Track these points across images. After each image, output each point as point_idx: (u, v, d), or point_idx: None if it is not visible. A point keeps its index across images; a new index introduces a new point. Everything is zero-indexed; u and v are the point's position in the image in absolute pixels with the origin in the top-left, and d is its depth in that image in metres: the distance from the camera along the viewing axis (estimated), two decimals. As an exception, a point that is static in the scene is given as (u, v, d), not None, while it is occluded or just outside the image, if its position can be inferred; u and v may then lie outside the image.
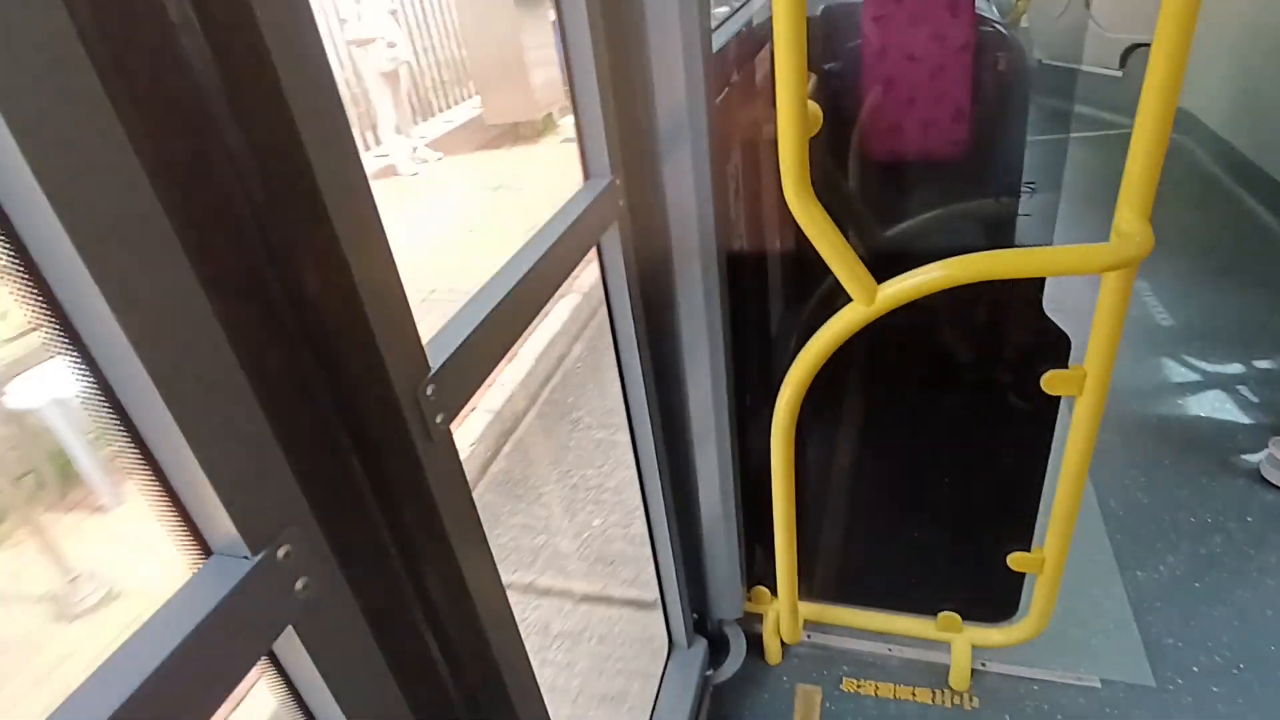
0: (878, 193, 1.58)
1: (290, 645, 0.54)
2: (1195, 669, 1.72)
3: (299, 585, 0.52)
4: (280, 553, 0.51)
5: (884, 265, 1.16)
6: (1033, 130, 1.79)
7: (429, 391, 0.66)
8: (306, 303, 0.56)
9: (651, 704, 1.65)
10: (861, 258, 1.14)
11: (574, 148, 1.06)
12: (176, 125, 0.46)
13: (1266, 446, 2.19)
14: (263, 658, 0.54)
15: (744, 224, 1.69)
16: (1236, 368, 2.65)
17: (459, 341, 0.71)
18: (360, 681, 0.59)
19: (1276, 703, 1.63)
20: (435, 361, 0.68)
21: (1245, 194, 3.84)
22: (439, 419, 0.68)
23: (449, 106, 7.27)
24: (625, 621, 1.58)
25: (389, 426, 0.64)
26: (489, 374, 0.75)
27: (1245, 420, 2.40)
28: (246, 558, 0.49)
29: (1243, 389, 2.54)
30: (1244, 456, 2.26)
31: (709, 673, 1.82)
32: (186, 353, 0.44)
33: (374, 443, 0.62)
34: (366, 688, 0.60)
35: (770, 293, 1.83)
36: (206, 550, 0.49)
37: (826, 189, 1.47)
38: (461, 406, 0.72)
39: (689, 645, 1.77)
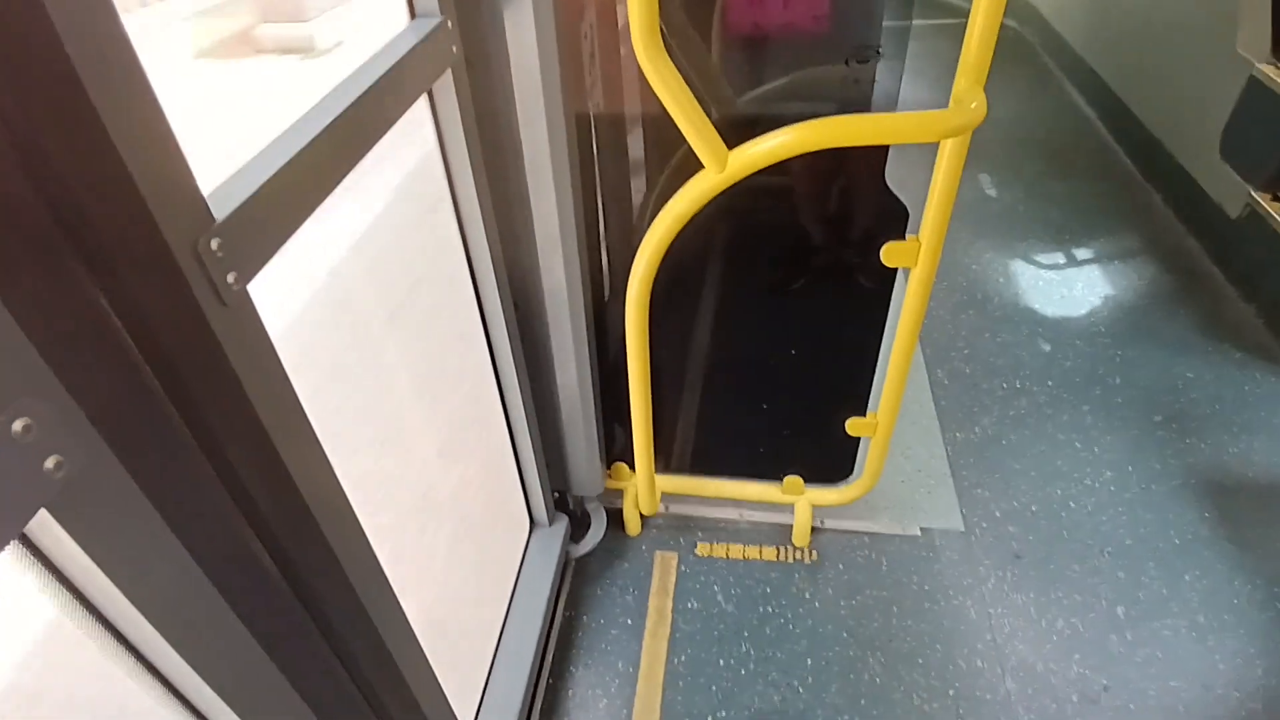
0: (740, 67, 1.53)
1: (47, 530, 0.46)
2: (998, 513, 1.96)
3: (49, 464, 0.45)
4: (17, 426, 0.43)
5: (740, 136, 1.13)
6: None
7: (213, 246, 0.57)
8: (25, 137, 0.45)
9: (513, 581, 1.68)
10: (720, 130, 1.10)
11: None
12: None
13: (1068, 324, 2.44)
14: (14, 543, 0.47)
15: (603, 96, 1.60)
16: (1053, 252, 2.91)
17: (250, 191, 0.61)
18: (147, 566, 0.53)
19: (1056, 536, 1.90)
20: (221, 213, 0.59)
21: (1071, 86, 4.11)
22: (230, 279, 0.59)
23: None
24: (485, 502, 1.57)
25: (164, 287, 0.55)
26: (294, 229, 0.67)
27: (1054, 297, 2.66)
28: (-32, 432, 0.41)
29: (1055, 270, 2.81)
30: (1049, 329, 2.52)
31: (571, 547, 1.87)
32: None
33: (144, 305, 0.53)
34: (156, 572, 0.54)
35: (632, 169, 1.78)
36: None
37: (688, 60, 1.40)
38: (260, 265, 0.63)
39: (550, 523, 1.80)
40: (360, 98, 0.77)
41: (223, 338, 0.59)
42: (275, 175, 0.64)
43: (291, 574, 0.74)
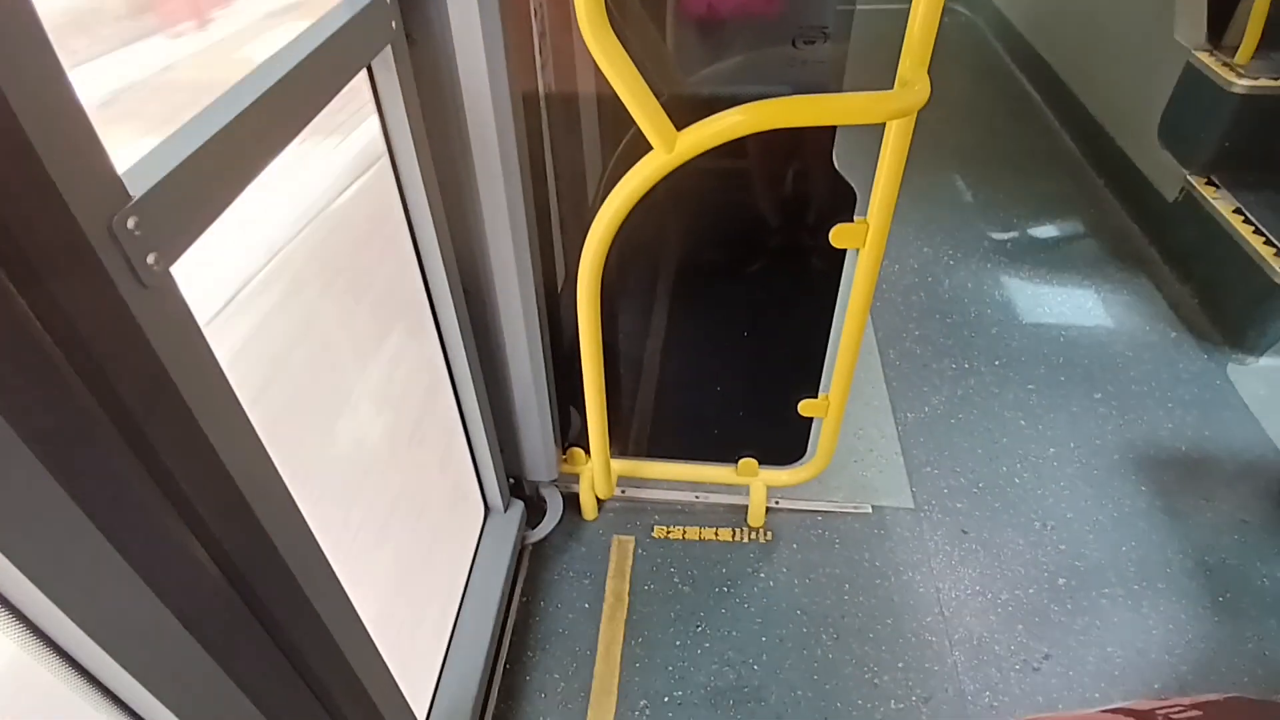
0: (691, 48, 1.52)
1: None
2: (946, 490, 2.01)
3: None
4: (-90, 416, 0.40)
5: (692, 118, 1.12)
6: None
7: (130, 225, 0.54)
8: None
9: (469, 567, 1.67)
10: (671, 112, 1.09)
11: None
12: None
13: (1014, 305, 2.50)
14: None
15: (555, 75, 1.57)
16: (1000, 234, 2.97)
17: (171, 168, 0.59)
18: (67, 562, 0.51)
19: (1001, 511, 1.95)
20: (138, 190, 0.56)
21: (1019, 72, 4.20)
22: (151, 259, 0.56)
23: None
24: (437, 489, 1.55)
25: (77, 268, 0.52)
26: (222, 208, 0.64)
27: (1001, 278, 2.73)
28: None
29: (1002, 252, 2.87)
30: (996, 310, 2.58)
31: (527, 532, 1.86)
32: None
33: (55, 289, 0.50)
34: (77, 568, 0.52)
35: (587, 150, 1.75)
36: None
37: (638, 40, 1.38)
38: (185, 246, 0.61)
39: (505, 509, 1.79)
40: (291, 72, 0.74)
41: (144, 321, 0.56)
42: (198, 151, 0.61)
43: (229, 566, 0.72)
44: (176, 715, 0.66)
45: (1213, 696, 0.76)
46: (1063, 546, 1.87)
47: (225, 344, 0.80)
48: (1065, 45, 3.76)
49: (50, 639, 0.56)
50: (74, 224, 0.50)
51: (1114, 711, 0.83)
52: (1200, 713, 0.75)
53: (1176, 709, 0.74)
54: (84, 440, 0.55)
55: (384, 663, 1.07)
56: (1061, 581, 1.80)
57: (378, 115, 1.06)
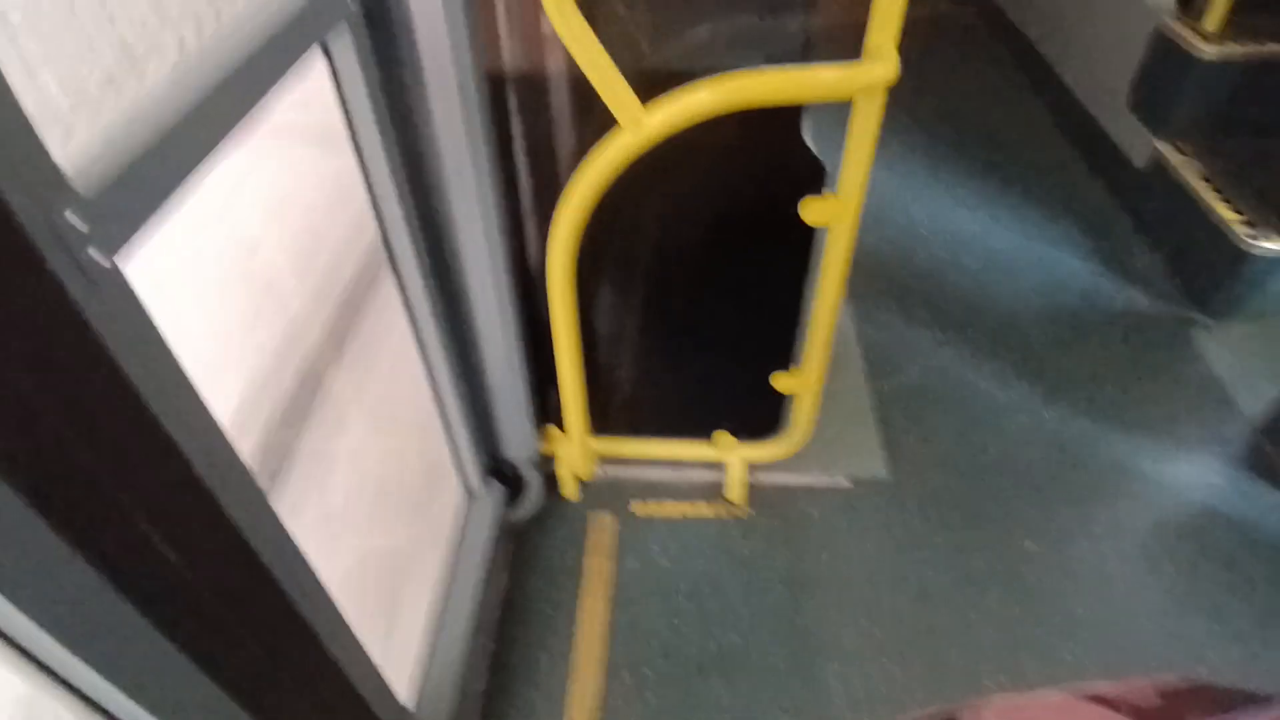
0: (662, 22, 1.49)
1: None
2: (922, 460, 2.03)
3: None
4: None
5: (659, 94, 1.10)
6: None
7: (74, 219, 0.53)
8: None
9: (449, 550, 1.67)
10: (640, 92, 1.08)
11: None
12: None
13: (988, 275, 2.52)
14: None
15: (522, 51, 1.54)
16: (974, 206, 2.98)
17: (114, 155, 0.57)
18: (29, 573, 0.50)
19: (975, 478, 1.98)
20: (81, 182, 0.54)
21: (990, 37, 4.18)
22: (98, 254, 0.55)
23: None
24: (415, 472, 1.55)
25: (17, 268, 0.50)
26: (170, 193, 0.62)
27: (975, 250, 2.74)
28: None
29: (976, 224, 2.89)
30: (970, 281, 2.60)
31: (507, 513, 1.86)
32: None
33: (-4, 286, 0.49)
34: (41, 574, 0.51)
35: (556, 126, 1.73)
36: None
37: (604, 14, 1.36)
38: (132, 236, 0.59)
39: (485, 490, 1.79)
40: (241, 51, 0.72)
41: (93, 318, 0.55)
42: (145, 135, 0.59)
43: (199, 560, 0.71)
44: (152, 714, 0.65)
45: (1170, 679, 0.77)
46: (1034, 512, 1.91)
47: (190, 328, 0.78)
48: (1037, 9, 3.75)
49: (12, 640, 0.56)
50: (14, 222, 0.49)
51: (1084, 698, 0.83)
52: (1164, 702, 0.75)
53: (1136, 693, 0.75)
54: (35, 441, 0.54)
55: (362, 647, 1.08)
56: (1029, 544, 1.84)
57: (337, 97, 1.03)
